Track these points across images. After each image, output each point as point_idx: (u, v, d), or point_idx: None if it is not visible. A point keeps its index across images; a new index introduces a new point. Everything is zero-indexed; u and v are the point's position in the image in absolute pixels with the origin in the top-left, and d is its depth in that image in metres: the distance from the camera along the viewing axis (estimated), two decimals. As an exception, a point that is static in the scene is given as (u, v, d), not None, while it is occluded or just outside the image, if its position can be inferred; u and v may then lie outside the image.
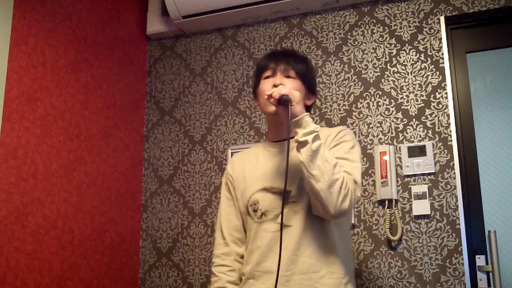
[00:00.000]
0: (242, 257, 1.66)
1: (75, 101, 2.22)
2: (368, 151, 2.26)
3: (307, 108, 1.69)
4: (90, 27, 2.37)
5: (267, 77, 1.64)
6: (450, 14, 2.27)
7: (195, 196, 2.52)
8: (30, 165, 1.95)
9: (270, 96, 1.50)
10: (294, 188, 1.56)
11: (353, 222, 2.20)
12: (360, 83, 2.35)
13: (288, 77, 1.61)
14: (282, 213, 1.47)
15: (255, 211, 1.62)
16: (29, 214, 1.92)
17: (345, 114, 2.34)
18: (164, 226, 2.53)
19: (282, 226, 1.47)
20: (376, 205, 2.20)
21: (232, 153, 2.46)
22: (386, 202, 2.16)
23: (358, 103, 2.33)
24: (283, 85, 1.54)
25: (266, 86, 1.60)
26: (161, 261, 2.50)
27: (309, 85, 1.67)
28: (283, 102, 1.48)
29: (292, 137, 1.51)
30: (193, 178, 2.54)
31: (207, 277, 2.39)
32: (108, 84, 2.44)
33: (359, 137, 2.29)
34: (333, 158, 1.47)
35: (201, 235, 2.46)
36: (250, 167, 1.69)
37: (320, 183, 1.41)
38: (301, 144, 1.45)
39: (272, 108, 1.57)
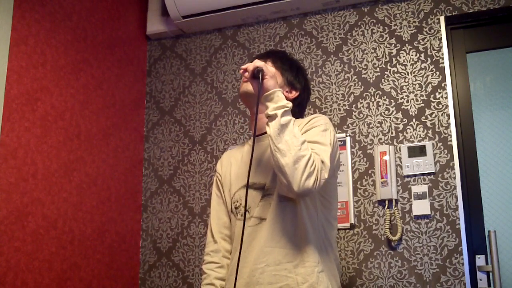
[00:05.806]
0: (231, 253, 1.68)
1: (75, 101, 2.22)
2: (368, 151, 2.26)
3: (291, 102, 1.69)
4: (90, 27, 2.37)
5: None
6: (450, 14, 2.27)
7: (195, 196, 2.52)
8: (30, 165, 1.95)
9: (245, 70, 1.49)
10: (268, 181, 1.57)
11: (352, 222, 2.20)
12: (360, 83, 2.35)
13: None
14: (245, 204, 1.49)
15: (236, 208, 1.64)
16: (29, 214, 1.92)
17: (345, 114, 2.34)
18: (164, 226, 2.53)
19: (245, 216, 1.49)
20: (376, 205, 2.20)
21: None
22: (386, 202, 2.16)
23: (358, 103, 2.33)
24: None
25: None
26: (161, 261, 2.50)
27: (288, 78, 1.68)
28: (257, 74, 1.45)
29: (264, 133, 1.53)
30: (193, 178, 2.54)
31: (207, 277, 2.39)
32: (108, 84, 2.44)
33: (359, 137, 2.29)
34: (302, 136, 1.45)
35: (201, 235, 2.46)
36: (235, 165, 1.72)
37: (286, 158, 1.38)
38: (270, 118, 1.43)
39: (245, 87, 1.59)
